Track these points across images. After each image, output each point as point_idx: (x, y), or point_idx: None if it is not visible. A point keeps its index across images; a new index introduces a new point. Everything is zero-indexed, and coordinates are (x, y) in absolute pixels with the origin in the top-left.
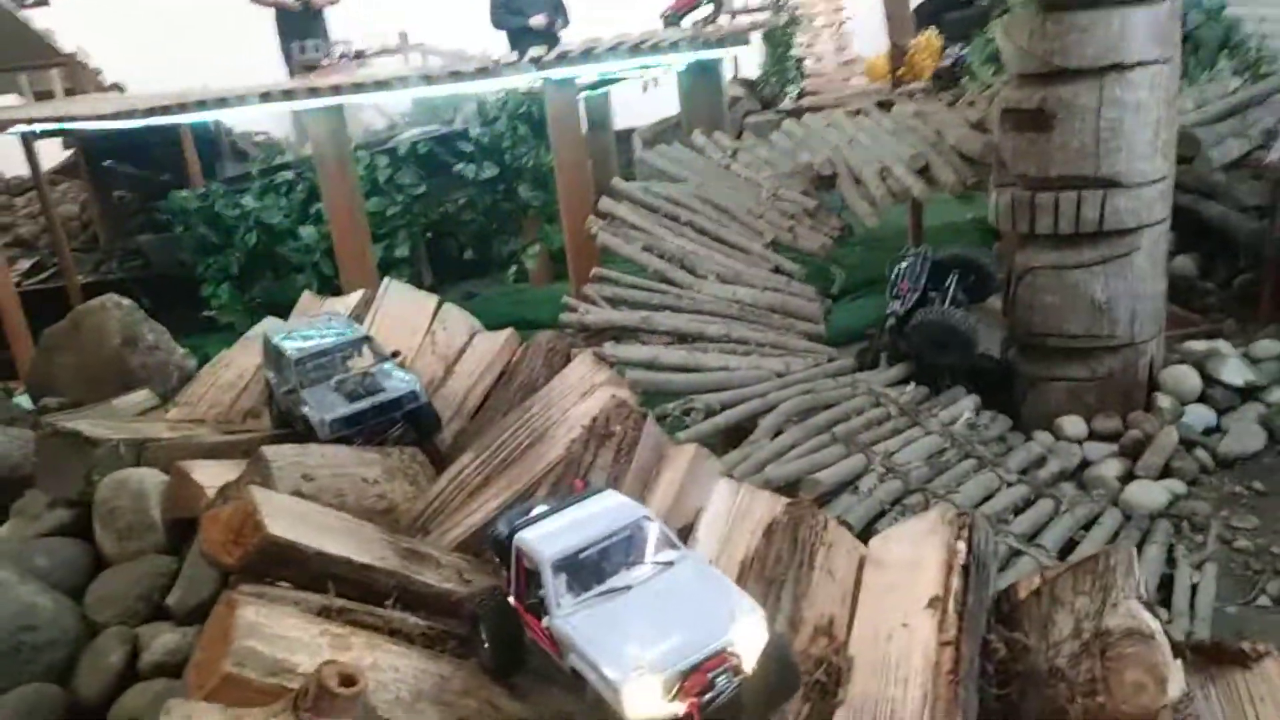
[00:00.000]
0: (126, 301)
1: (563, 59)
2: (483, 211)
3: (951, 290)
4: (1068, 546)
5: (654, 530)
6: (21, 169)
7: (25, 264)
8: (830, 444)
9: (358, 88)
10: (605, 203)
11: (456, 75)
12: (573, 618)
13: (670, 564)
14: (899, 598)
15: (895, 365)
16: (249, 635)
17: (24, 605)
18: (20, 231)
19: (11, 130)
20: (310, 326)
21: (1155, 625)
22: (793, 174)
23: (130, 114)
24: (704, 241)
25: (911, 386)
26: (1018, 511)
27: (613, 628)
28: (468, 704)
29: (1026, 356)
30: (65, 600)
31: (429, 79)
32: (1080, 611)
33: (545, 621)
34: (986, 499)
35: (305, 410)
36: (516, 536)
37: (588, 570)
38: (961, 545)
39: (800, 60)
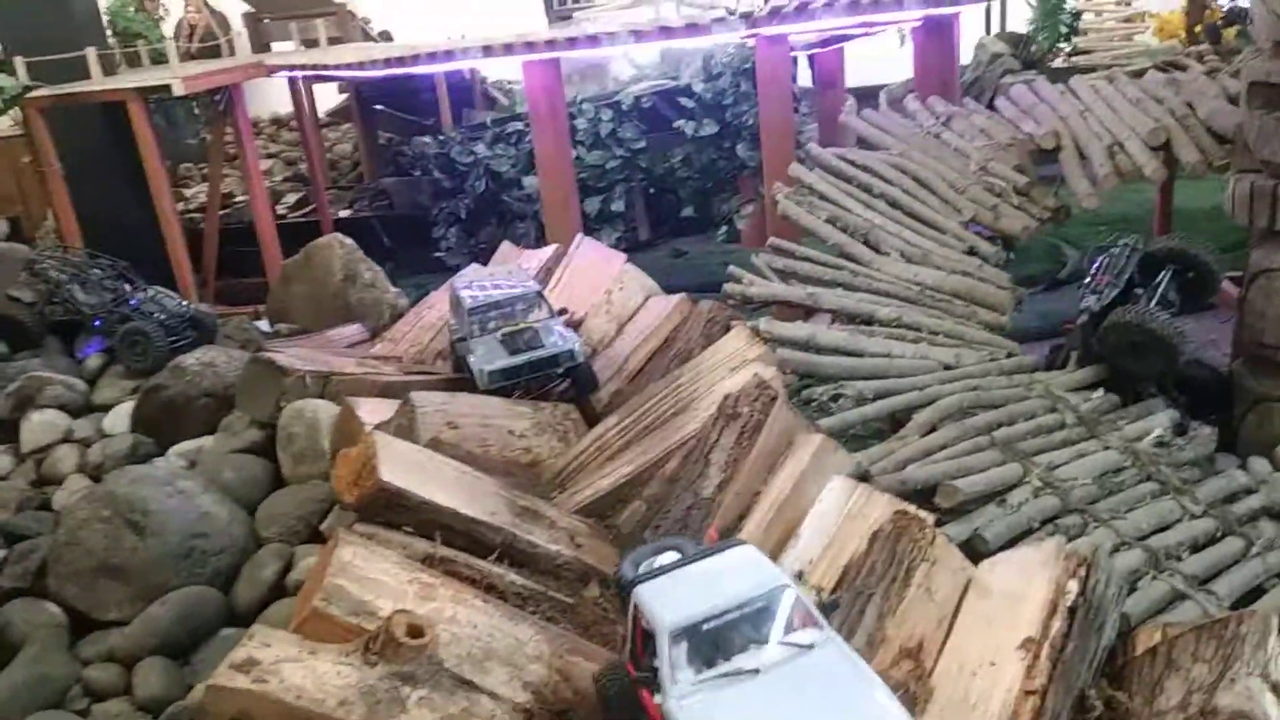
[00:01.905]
0: (349, 241)
1: (776, 15)
2: (700, 169)
3: (1162, 289)
4: (1251, 595)
5: (792, 602)
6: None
7: (293, 199)
8: (986, 448)
9: (569, 43)
10: (795, 169)
11: (666, 31)
12: (688, 703)
13: (809, 647)
14: (994, 631)
15: (1085, 368)
16: (340, 574)
17: (201, 514)
18: (302, 168)
19: (278, 75)
20: (492, 278)
21: (1277, 713)
22: (1009, 145)
23: (363, 65)
24: (895, 216)
25: (1100, 393)
26: (1197, 549)
27: None
28: (536, 670)
29: (1252, 370)
30: (240, 513)
31: (637, 34)
32: (1194, 681)
33: (658, 699)
34: (1160, 530)
35: (471, 359)
36: (636, 590)
37: (712, 642)
38: (1073, 585)
39: (1077, 14)
